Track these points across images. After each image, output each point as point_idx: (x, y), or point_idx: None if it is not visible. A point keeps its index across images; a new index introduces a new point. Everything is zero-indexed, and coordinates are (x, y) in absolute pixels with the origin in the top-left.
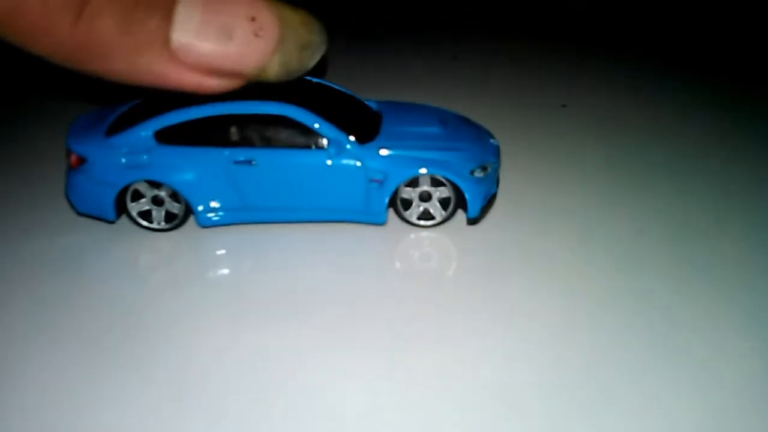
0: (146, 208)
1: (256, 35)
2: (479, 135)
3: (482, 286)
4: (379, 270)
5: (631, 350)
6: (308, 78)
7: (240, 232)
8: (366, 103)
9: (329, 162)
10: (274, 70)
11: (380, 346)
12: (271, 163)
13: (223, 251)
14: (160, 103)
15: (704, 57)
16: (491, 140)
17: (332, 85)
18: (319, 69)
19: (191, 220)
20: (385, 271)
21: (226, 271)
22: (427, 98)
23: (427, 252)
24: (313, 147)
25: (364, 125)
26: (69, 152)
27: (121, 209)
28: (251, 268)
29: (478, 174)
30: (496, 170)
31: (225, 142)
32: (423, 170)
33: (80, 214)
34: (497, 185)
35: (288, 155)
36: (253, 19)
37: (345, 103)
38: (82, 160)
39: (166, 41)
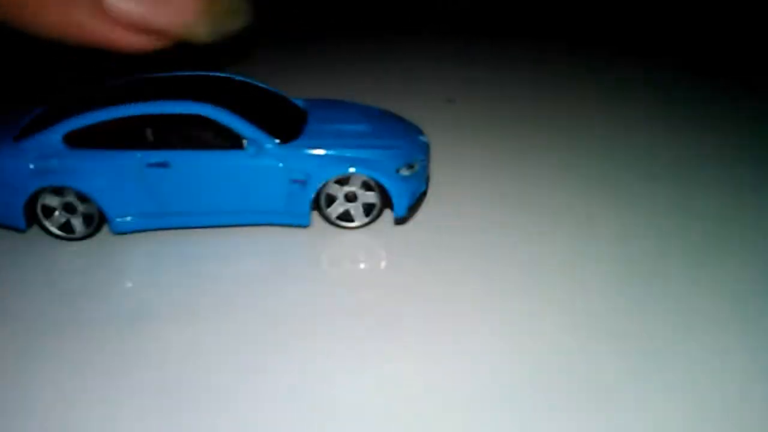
0: (63, 220)
1: None
2: (408, 131)
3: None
4: (304, 274)
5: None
6: (232, 76)
7: (156, 239)
8: (293, 101)
9: (248, 163)
10: (202, 30)
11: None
12: (187, 166)
13: (137, 258)
14: (71, 106)
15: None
16: (420, 137)
17: (257, 83)
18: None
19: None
20: (312, 275)
21: (141, 280)
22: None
23: (353, 254)
24: (231, 147)
25: (287, 124)
26: None
27: (31, 218)
28: (169, 276)
29: (404, 172)
30: (425, 168)
31: (139, 145)
32: (351, 169)
33: None
34: (427, 183)
35: (204, 157)
36: None
37: (269, 101)
38: None
39: None
